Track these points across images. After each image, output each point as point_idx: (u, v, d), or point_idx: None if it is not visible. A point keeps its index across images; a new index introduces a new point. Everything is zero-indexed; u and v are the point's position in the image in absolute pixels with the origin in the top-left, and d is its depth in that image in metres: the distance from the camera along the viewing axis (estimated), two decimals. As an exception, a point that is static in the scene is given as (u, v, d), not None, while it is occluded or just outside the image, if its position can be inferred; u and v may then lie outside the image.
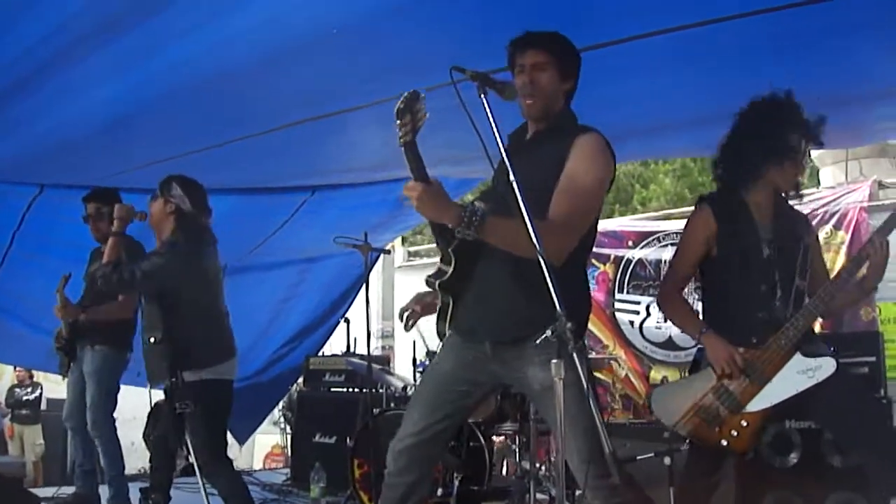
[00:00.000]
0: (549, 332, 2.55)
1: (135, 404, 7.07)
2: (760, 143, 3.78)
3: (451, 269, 3.27)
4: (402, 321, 3.67)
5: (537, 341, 2.64)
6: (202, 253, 5.02)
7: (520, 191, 2.73)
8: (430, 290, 3.42)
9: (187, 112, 5.08)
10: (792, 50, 4.28)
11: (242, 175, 6.73)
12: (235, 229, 6.06)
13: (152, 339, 4.89)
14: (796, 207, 4.05)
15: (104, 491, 6.24)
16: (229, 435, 9.23)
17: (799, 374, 3.67)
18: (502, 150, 2.80)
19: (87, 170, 6.19)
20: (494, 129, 2.79)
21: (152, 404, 6.24)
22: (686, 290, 4.15)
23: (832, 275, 3.95)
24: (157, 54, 4.26)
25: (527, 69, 3.26)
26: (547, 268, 2.63)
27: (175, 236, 4.98)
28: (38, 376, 13.08)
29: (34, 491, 6.48)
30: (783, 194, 3.96)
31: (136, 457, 5.95)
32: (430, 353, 6.68)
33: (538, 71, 3.25)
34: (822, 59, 4.32)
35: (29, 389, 13.03)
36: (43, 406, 12.95)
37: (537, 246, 2.66)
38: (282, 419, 12.82)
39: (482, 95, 2.86)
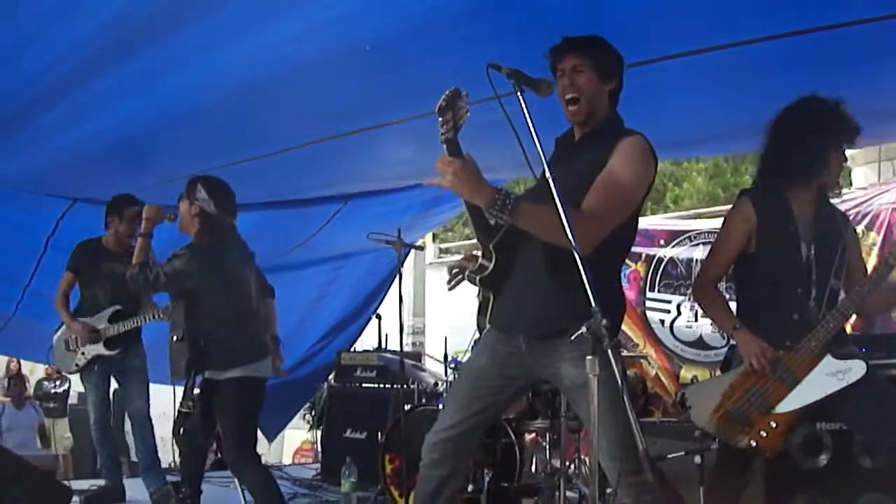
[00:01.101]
0: (584, 329, 2.57)
1: (163, 401, 7.22)
2: (808, 143, 3.76)
3: (491, 265, 3.32)
4: (448, 278, 3.62)
5: (572, 337, 2.66)
6: (225, 253, 5.05)
7: (558, 188, 2.74)
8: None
9: (214, 127, 5.16)
10: (823, 72, 4.31)
11: (272, 188, 6.80)
12: (268, 241, 6.11)
13: (175, 338, 5.02)
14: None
15: (133, 483, 6.47)
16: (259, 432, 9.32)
17: (829, 377, 3.67)
18: (538, 144, 2.81)
19: (119, 184, 6.30)
20: (530, 125, 2.79)
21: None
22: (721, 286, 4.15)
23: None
24: (185, 69, 4.31)
25: (567, 73, 3.29)
26: (582, 263, 2.65)
27: (198, 238, 5.05)
28: (67, 370, 13.17)
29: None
30: (824, 192, 3.96)
31: (165, 452, 6.09)
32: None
33: (577, 73, 3.28)
34: (853, 81, 4.32)
35: (57, 383, 13.09)
36: (73, 399, 13.03)
37: (569, 234, 2.68)
38: (309, 415, 12.87)
39: (518, 93, 2.87)
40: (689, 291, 8.78)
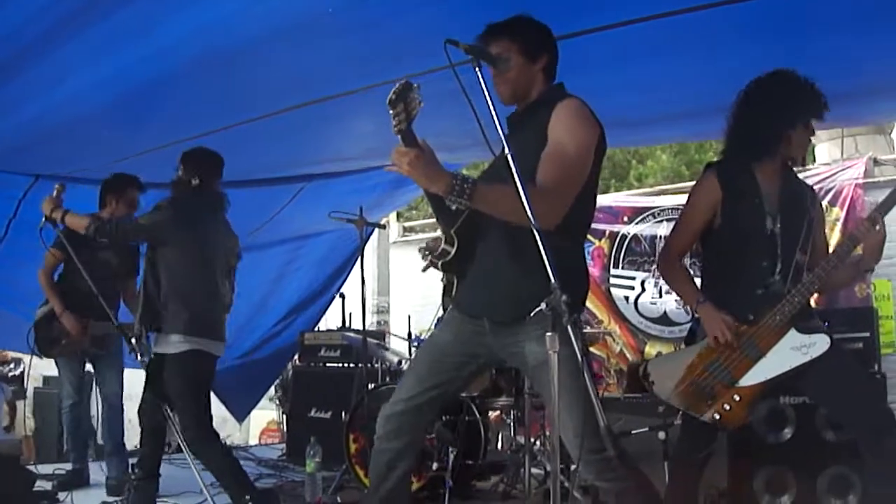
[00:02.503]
0: (543, 305, 2.54)
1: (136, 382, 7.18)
2: (774, 114, 3.75)
3: (454, 250, 3.33)
4: (421, 259, 3.57)
5: (532, 314, 2.64)
6: (197, 207, 5.15)
7: (515, 165, 2.72)
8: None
9: (179, 97, 5.09)
10: (785, 42, 4.30)
11: (235, 165, 6.73)
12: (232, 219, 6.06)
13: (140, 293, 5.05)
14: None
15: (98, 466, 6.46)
16: (227, 413, 9.28)
17: (793, 351, 3.68)
18: (496, 121, 2.78)
19: (81, 159, 6.20)
20: (489, 101, 2.77)
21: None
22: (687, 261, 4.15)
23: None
24: (145, 36, 4.20)
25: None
26: (541, 239, 2.63)
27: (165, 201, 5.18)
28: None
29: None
30: (791, 165, 3.96)
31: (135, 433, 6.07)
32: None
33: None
34: (816, 54, 4.31)
35: (12, 365, 12.97)
36: (39, 383, 12.91)
37: (528, 212, 2.66)
38: (276, 396, 12.80)
39: (476, 68, 2.85)
40: (654, 267, 8.84)
